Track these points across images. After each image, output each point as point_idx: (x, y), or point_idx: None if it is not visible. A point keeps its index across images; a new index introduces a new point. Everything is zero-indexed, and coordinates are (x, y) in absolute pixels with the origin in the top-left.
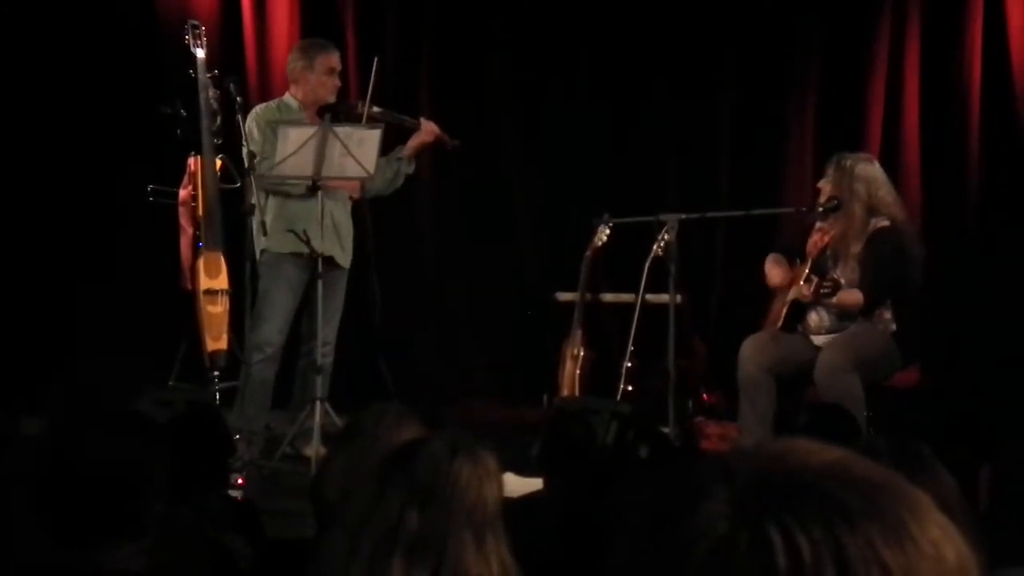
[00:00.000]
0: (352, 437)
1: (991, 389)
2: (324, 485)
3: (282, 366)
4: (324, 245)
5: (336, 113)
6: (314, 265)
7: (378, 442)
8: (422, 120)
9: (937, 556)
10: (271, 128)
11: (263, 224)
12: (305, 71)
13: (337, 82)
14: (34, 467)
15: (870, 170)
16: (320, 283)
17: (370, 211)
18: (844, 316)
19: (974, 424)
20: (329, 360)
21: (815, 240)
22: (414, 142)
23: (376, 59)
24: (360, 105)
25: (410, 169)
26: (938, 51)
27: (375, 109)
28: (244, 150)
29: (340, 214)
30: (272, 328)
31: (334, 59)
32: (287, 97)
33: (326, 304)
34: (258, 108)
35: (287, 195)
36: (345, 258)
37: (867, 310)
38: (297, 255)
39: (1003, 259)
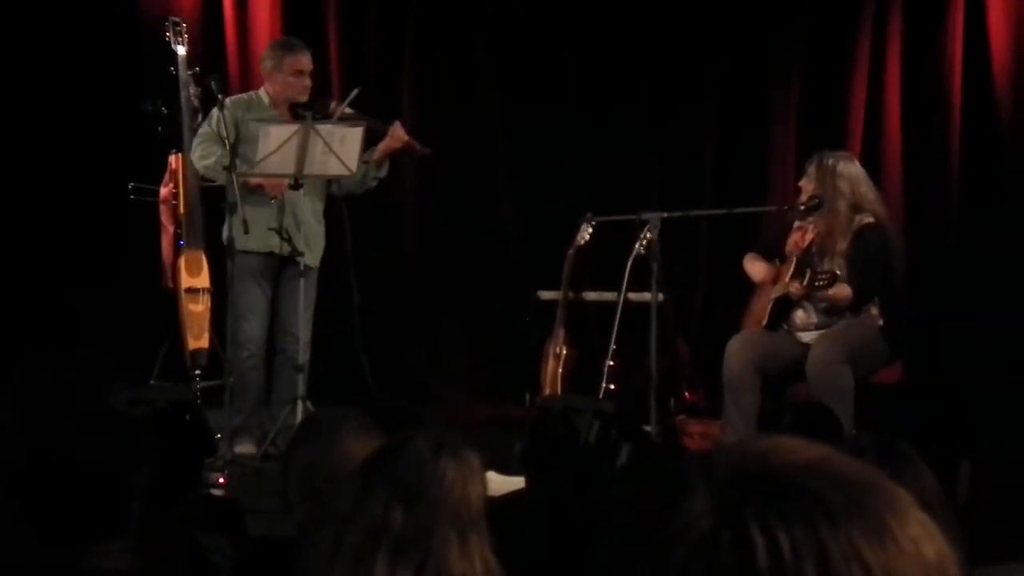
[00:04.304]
0: (308, 440)
1: (970, 386)
2: (285, 486)
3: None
4: (287, 245)
5: (310, 112)
6: (281, 263)
7: (333, 447)
8: (398, 124)
9: (917, 554)
10: (235, 123)
11: (244, 222)
12: (274, 71)
13: (307, 82)
14: (12, 464)
15: (851, 168)
16: (302, 282)
17: (347, 211)
18: (831, 312)
19: (954, 421)
20: (306, 358)
21: (795, 239)
22: (382, 147)
23: (357, 89)
24: (334, 106)
25: (381, 173)
26: (920, 50)
27: (348, 111)
28: (226, 147)
29: (306, 215)
30: (251, 326)
31: (303, 61)
32: (261, 91)
33: (294, 300)
34: (229, 99)
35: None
36: (312, 258)
37: (856, 305)
38: (261, 253)
39: (983, 257)
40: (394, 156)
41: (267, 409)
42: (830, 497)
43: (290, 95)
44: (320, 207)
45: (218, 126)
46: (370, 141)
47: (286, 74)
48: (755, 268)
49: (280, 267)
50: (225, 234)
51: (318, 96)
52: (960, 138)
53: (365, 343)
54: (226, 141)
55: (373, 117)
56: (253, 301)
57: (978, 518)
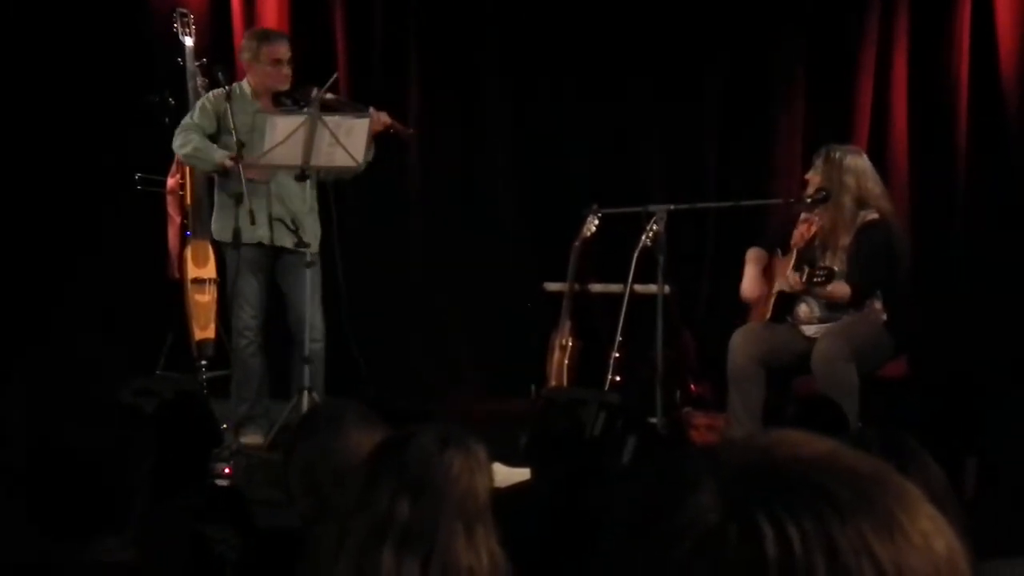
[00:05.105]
0: (310, 432)
1: (977, 381)
2: (287, 479)
3: (279, 355)
4: (278, 235)
5: (293, 100)
6: (274, 254)
7: (335, 440)
8: (372, 110)
9: (927, 548)
10: (216, 115)
11: (251, 212)
12: (252, 62)
13: (285, 71)
14: (16, 457)
15: (859, 162)
16: (308, 272)
17: (342, 200)
18: (834, 307)
19: (960, 415)
20: (319, 346)
21: (801, 232)
22: None
23: (335, 75)
24: (315, 93)
25: (367, 157)
26: (926, 45)
27: (328, 96)
28: (233, 138)
29: (296, 203)
30: (245, 314)
31: (280, 50)
32: (244, 83)
33: (298, 290)
34: (211, 93)
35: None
36: (312, 246)
37: (856, 302)
38: (252, 244)
39: (989, 251)
40: (378, 138)
41: (272, 399)
42: (839, 491)
43: (270, 84)
44: (312, 194)
45: (201, 118)
46: None
47: (264, 64)
48: (750, 288)
49: (274, 258)
50: (216, 226)
51: (299, 84)
52: (967, 132)
53: (355, 333)
54: (233, 134)
55: (372, 107)
56: (248, 290)
57: (985, 512)
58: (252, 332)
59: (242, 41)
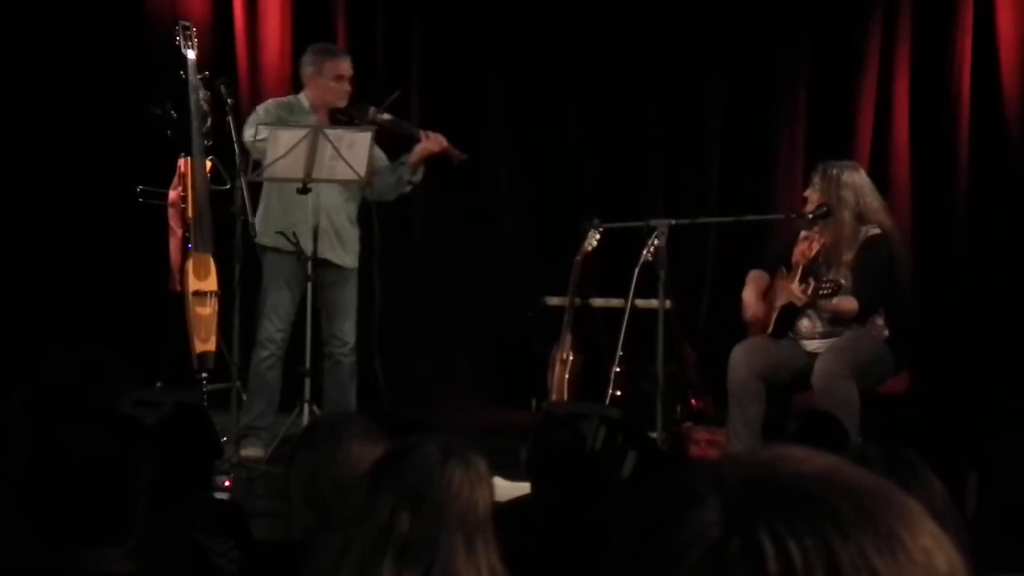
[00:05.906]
0: (312, 445)
1: (978, 395)
2: (288, 490)
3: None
4: (318, 247)
5: (350, 118)
6: (314, 267)
7: (337, 452)
8: (430, 132)
9: (928, 564)
10: (271, 122)
11: (252, 226)
12: (315, 76)
13: (347, 87)
14: (18, 466)
15: (856, 177)
16: (309, 285)
17: (376, 215)
18: (836, 322)
19: (962, 430)
20: (350, 360)
21: (802, 248)
22: (419, 151)
23: (396, 92)
24: (372, 112)
25: (416, 178)
26: (928, 58)
27: (385, 116)
28: (236, 151)
29: (339, 216)
30: (271, 325)
31: (343, 66)
32: (301, 96)
33: (331, 304)
34: (272, 101)
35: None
36: (346, 259)
37: (861, 318)
38: (287, 252)
39: (991, 265)
40: (430, 161)
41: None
42: (840, 507)
43: (330, 100)
44: (354, 209)
45: (266, 117)
46: (405, 146)
47: (326, 79)
48: (749, 304)
49: (315, 271)
50: (257, 229)
51: (358, 102)
52: (968, 148)
53: (382, 349)
54: (236, 147)
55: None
56: (278, 302)
57: (986, 528)
58: (275, 345)
59: (304, 55)
